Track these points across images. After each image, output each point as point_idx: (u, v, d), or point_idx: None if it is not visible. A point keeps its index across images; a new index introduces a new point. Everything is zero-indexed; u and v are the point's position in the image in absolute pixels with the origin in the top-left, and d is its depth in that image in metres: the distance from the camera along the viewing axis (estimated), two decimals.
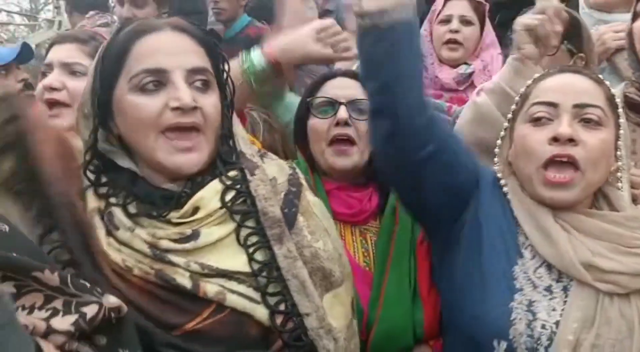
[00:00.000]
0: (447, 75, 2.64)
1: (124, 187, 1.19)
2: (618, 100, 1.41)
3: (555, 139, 1.30)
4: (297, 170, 1.35)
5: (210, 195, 1.19)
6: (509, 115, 1.45)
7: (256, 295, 1.16)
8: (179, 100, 1.14)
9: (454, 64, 2.67)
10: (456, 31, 2.62)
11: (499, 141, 1.45)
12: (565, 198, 1.31)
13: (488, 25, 2.72)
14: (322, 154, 1.69)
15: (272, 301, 1.16)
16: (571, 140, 1.29)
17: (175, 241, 1.15)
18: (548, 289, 1.30)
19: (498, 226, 1.37)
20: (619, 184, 1.40)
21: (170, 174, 1.19)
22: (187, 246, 1.15)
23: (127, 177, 1.21)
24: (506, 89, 1.50)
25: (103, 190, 1.20)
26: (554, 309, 1.28)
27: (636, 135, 1.71)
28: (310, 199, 1.31)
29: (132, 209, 1.18)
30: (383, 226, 1.67)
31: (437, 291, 1.58)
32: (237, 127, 1.30)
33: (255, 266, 1.17)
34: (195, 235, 1.16)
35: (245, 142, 1.30)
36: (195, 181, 1.21)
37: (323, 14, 4.75)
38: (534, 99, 1.37)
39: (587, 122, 1.32)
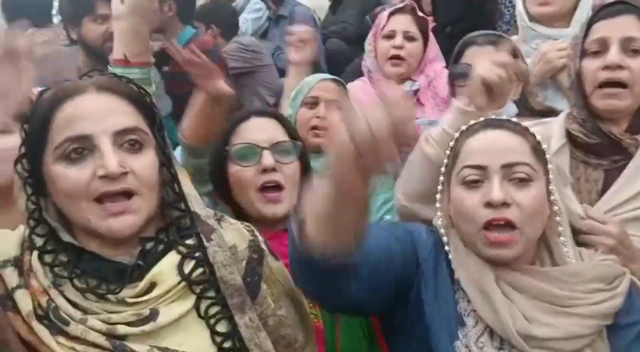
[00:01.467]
0: None
1: (69, 261, 1.11)
2: (545, 146, 1.39)
3: (489, 204, 1.30)
4: (256, 232, 1.29)
5: (168, 269, 1.12)
6: (442, 169, 1.44)
7: None
8: (104, 168, 1.07)
9: (399, 80, 2.64)
10: (400, 47, 2.61)
11: (438, 195, 1.43)
12: (507, 255, 1.31)
13: (432, 40, 2.72)
14: (251, 203, 1.61)
15: None
16: (505, 204, 1.29)
17: (131, 324, 1.08)
18: None
19: (441, 296, 1.34)
20: (560, 229, 1.39)
21: (107, 239, 1.12)
22: (146, 328, 1.08)
23: (71, 250, 1.12)
24: (455, 136, 1.46)
25: (48, 258, 1.11)
26: None
27: (580, 173, 1.67)
28: (273, 265, 1.27)
29: (79, 284, 1.09)
30: None
31: None
32: (187, 187, 1.22)
33: (218, 339, 1.12)
34: (153, 315, 1.09)
35: (198, 202, 1.22)
36: (146, 250, 1.14)
37: (276, 19, 4.73)
38: (463, 161, 1.37)
39: (516, 181, 1.32)
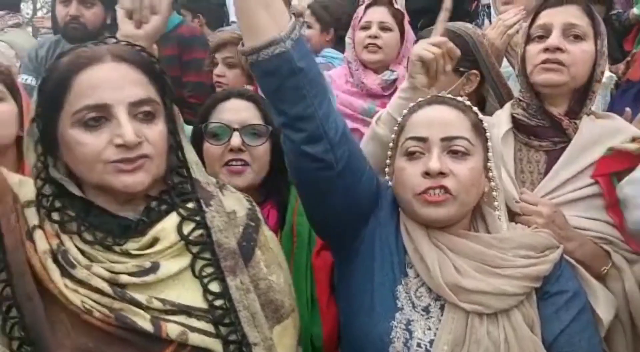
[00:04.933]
0: (371, 80, 2.71)
1: (78, 215, 1.17)
2: (486, 125, 1.47)
3: (427, 173, 1.37)
4: (254, 203, 1.37)
5: (170, 227, 1.19)
6: (391, 144, 1.52)
7: (214, 329, 1.18)
8: (122, 138, 1.12)
9: (377, 68, 2.74)
10: (375, 36, 2.69)
11: (387, 169, 1.53)
12: (440, 215, 1.37)
13: (410, 32, 2.79)
14: (216, 176, 1.64)
15: (224, 331, 1.18)
16: (441, 173, 1.36)
17: (134, 274, 1.14)
18: (426, 309, 1.37)
19: (389, 244, 1.44)
20: (495, 204, 1.47)
21: (119, 195, 1.18)
22: (147, 279, 1.15)
23: (80, 205, 1.18)
24: (398, 119, 1.56)
25: (56, 216, 1.17)
26: (429, 328, 1.35)
27: (523, 155, 1.75)
28: (267, 234, 1.34)
29: (87, 236, 1.16)
30: (282, 245, 1.66)
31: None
32: (190, 154, 1.29)
33: (210, 297, 1.19)
34: (154, 268, 1.16)
35: (199, 169, 1.30)
36: (151, 208, 1.21)
37: None
38: (406, 134, 1.44)
39: (455, 153, 1.39)
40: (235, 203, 1.31)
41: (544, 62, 1.69)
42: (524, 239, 1.43)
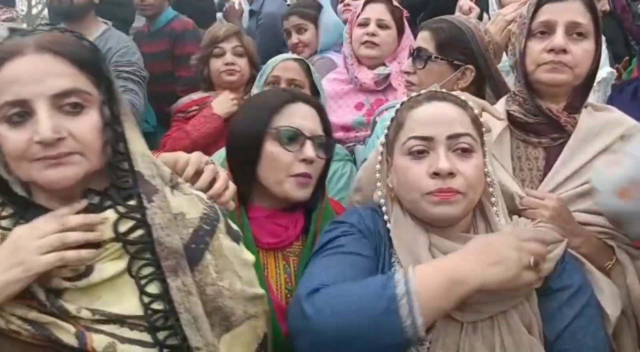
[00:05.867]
0: (365, 76, 2.71)
1: (16, 212, 1.14)
2: (482, 119, 1.46)
3: (436, 174, 1.34)
4: (218, 211, 1.29)
5: (104, 226, 1.13)
6: (382, 140, 1.48)
7: (150, 337, 1.12)
8: (38, 134, 1.07)
9: (371, 64, 2.74)
10: (373, 34, 2.70)
11: (377, 166, 1.48)
12: (451, 213, 1.34)
13: (406, 29, 2.79)
14: (280, 183, 1.60)
15: (162, 336, 1.13)
16: (450, 173, 1.33)
17: (69, 279, 1.10)
18: None
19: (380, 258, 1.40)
20: (493, 199, 1.45)
21: (54, 191, 1.13)
22: (80, 283, 1.10)
23: (19, 203, 1.15)
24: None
25: None
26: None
27: (521, 152, 1.74)
28: (224, 243, 1.25)
29: None
30: (304, 253, 1.62)
31: None
32: (134, 144, 1.20)
33: (146, 300, 1.13)
34: (87, 271, 1.11)
35: (144, 160, 1.20)
36: (90, 204, 1.15)
37: (250, 14, 4.75)
38: (408, 132, 1.39)
39: (461, 151, 1.37)
40: (186, 204, 1.23)
41: (548, 63, 1.67)
42: (526, 234, 1.38)
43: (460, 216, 1.37)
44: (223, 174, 1.49)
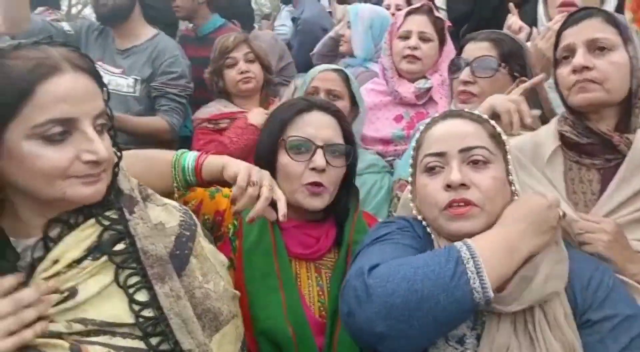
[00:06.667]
0: (406, 89, 2.67)
1: None
2: (505, 137, 1.44)
3: (449, 186, 1.35)
4: (192, 215, 1.33)
5: (81, 242, 1.15)
6: (410, 161, 1.49)
7: (143, 344, 1.14)
8: (95, 154, 1.10)
9: (412, 78, 2.70)
10: (415, 48, 2.65)
11: (409, 187, 1.50)
12: (468, 228, 1.33)
13: (448, 40, 2.74)
14: (293, 193, 1.60)
15: (155, 342, 1.15)
16: (463, 185, 1.34)
17: (53, 305, 1.11)
18: (461, 340, 1.31)
19: None
20: None
21: (62, 207, 1.15)
22: (67, 305, 1.11)
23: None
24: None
25: None
26: None
27: (574, 174, 1.69)
28: (204, 245, 1.30)
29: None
30: (337, 266, 1.62)
31: None
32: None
33: (136, 308, 1.15)
34: (72, 294, 1.12)
35: (124, 175, 1.25)
36: (77, 220, 1.17)
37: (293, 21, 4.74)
38: (425, 150, 1.42)
39: (475, 163, 1.37)
40: (163, 214, 1.26)
41: (575, 84, 1.64)
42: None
43: (480, 230, 1.33)
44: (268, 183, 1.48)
